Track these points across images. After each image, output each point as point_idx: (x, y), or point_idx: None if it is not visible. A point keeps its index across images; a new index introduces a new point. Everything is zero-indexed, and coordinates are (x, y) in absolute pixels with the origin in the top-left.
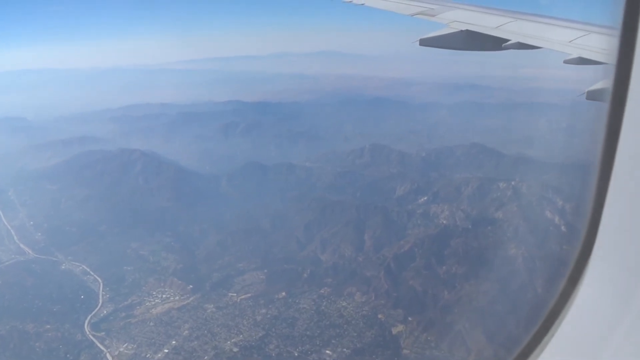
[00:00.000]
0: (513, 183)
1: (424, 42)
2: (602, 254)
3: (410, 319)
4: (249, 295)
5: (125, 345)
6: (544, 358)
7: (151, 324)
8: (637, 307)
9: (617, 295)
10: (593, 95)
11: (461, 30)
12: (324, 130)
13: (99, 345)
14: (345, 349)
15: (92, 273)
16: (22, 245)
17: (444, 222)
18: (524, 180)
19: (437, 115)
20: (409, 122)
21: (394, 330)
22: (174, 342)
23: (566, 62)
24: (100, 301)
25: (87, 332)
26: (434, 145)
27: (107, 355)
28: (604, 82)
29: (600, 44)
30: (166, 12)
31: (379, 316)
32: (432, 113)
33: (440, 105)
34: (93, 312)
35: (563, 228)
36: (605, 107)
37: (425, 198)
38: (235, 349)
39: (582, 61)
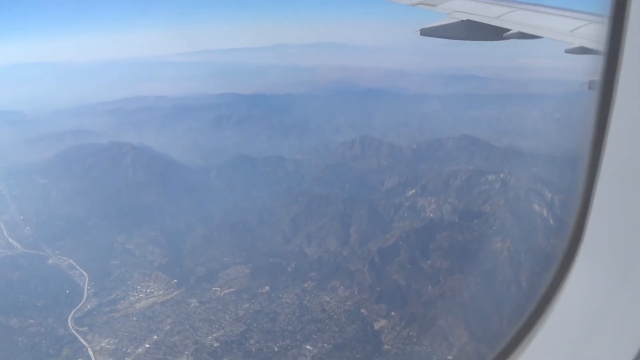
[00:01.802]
0: (502, 175)
1: (425, 32)
2: (591, 247)
3: (393, 313)
4: (233, 289)
5: (107, 340)
6: (530, 352)
7: (134, 318)
8: (624, 300)
9: (605, 288)
10: (595, 85)
11: (462, 20)
12: (316, 122)
13: (81, 340)
14: (325, 344)
15: (78, 267)
16: (10, 240)
17: (431, 215)
18: (513, 172)
19: (430, 106)
20: (402, 114)
21: (376, 326)
22: (155, 336)
23: (567, 51)
24: (85, 296)
25: (70, 327)
26: (425, 137)
27: (89, 350)
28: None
29: (603, 34)
30: (164, 4)
31: (362, 311)
32: (425, 104)
33: (434, 97)
34: (77, 307)
35: (551, 221)
36: (594, 98)
37: (414, 191)
38: (215, 344)
39: (583, 51)
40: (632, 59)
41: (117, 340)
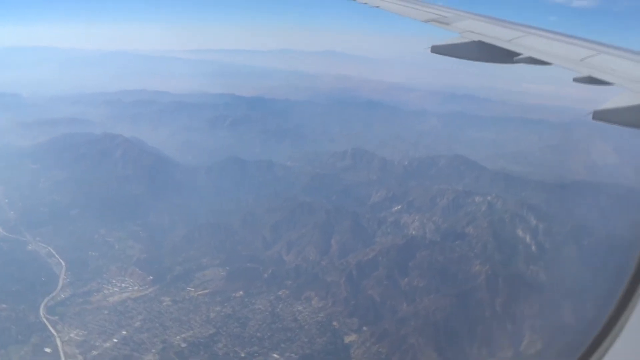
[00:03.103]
0: (489, 198)
1: (436, 50)
2: None
3: (364, 328)
4: (207, 291)
5: (77, 331)
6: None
7: (106, 312)
8: None
9: None
10: (600, 116)
11: (474, 41)
12: (312, 130)
13: (50, 328)
14: (293, 354)
15: (56, 255)
16: None
17: (413, 232)
18: (501, 196)
19: (428, 123)
20: (398, 128)
21: (347, 339)
22: (124, 332)
23: (576, 80)
24: (60, 285)
25: (42, 315)
26: (418, 153)
27: (57, 340)
28: (611, 102)
29: (612, 65)
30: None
31: (334, 323)
32: (423, 121)
33: (433, 114)
34: (51, 295)
35: (533, 248)
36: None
37: (399, 207)
38: (183, 345)
39: (591, 80)
40: None
41: (86, 333)
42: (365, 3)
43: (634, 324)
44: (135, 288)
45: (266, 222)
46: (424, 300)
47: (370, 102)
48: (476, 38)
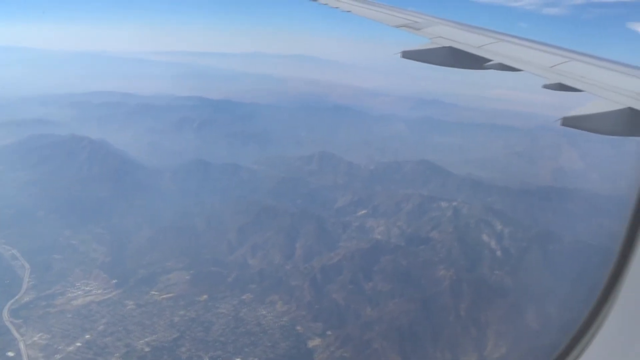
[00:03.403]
0: (455, 203)
1: (406, 55)
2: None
3: (328, 333)
4: (171, 295)
5: (40, 334)
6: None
7: (69, 315)
8: None
9: None
10: (569, 122)
11: (445, 47)
12: (279, 133)
13: (14, 332)
14: (256, 359)
15: (20, 258)
16: None
17: (378, 237)
18: (467, 201)
19: (395, 128)
20: (365, 133)
21: (310, 344)
22: (87, 336)
23: (545, 87)
24: (24, 288)
25: (5, 318)
26: (385, 158)
27: (20, 344)
28: (581, 109)
29: (581, 72)
30: (146, 1)
31: (297, 328)
32: (390, 126)
33: (400, 119)
34: (15, 298)
35: (498, 253)
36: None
37: (365, 211)
38: (146, 349)
39: (561, 87)
40: None
41: (49, 336)
42: (337, 8)
43: (609, 327)
44: (99, 291)
45: (231, 226)
46: (388, 304)
47: (338, 106)
48: (447, 44)
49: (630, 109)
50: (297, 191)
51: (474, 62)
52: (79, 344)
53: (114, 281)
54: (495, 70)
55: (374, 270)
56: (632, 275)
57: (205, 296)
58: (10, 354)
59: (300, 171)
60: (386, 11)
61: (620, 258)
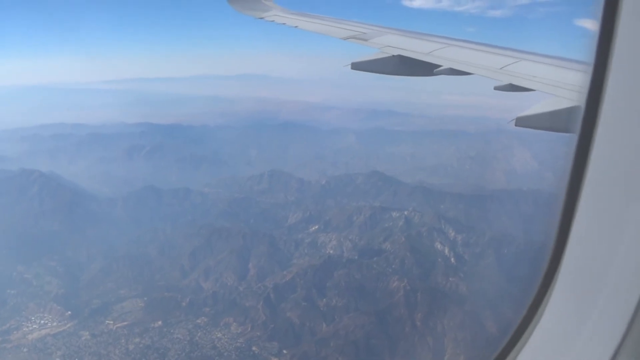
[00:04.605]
0: (406, 213)
1: (356, 66)
2: (569, 269)
3: (285, 351)
4: (126, 323)
5: None
6: None
7: (25, 350)
8: (595, 320)
9: (581, 309)
10: (522, 122)
11: (393, 55)
12: (229, 154)
13: None
14: None
15: None
16: None
17: (331, 252)
18: (419, 209)
19: (346, 141)
20: (316, 148)
21: None
22: None
23: (497, 88)
24: None
25: None
26: (337, 172)
27: None
28: (533, 108)
29: (531, 71)
30: (91, 32)
31: (253, 348)
32: (342, 139)
33: (352, 131)
34: None
35: (452, 260)
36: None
37: (316, 227)
38: None
39: (512, 88)
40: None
41: None
42: (284, 24)
43: (542, 329)
44: (54, 324)
45: (184, 250)
46: (343, 319)
47: (289, 123)
48: (396, 52)
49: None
50: (248, 211)
51: (424, 69)
52: None
53: (69, 313)
54: (446, 76)
55: (327, 286)
56: (564, 271)
57: (159, 322)
58: None
59: (251, 191)
60: (333, 24)
61: (554, 253)
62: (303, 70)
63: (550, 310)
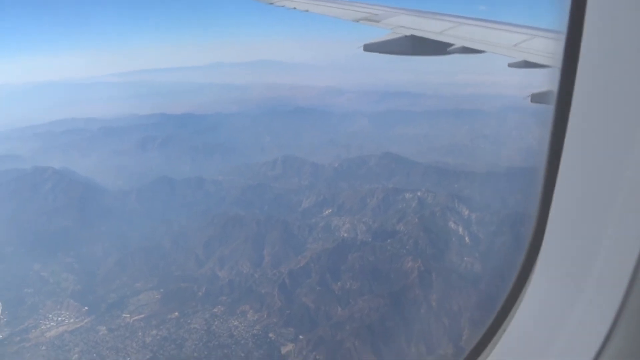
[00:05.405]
0: (419, 193)
1: (368, 48)
2: (548, 255)
3: (301, 337)
4: (142, 315)
5: None
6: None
7: (43, 347)
8: (581, 306)
9: (563, 295)
10: (537, 98)
11: (405, 36)
12: (242, 141)
13: None
14: None
15: None
16: None
17: (345, 235)
18: (432, 189)
19: (359, 124)
20: (330, 132)
21: (283, 350)
22: None
23: (510, 65)
24: None
25: None
26: (350, 155)
27: None
28: (549, 84)
29: (545, 47)
30: (100, 25)
31: (270, 335)
32: (354, 122)
33: (365, 114)
34: None
35: (466, 239)
36: (550, 111)
37: (330, 210)
38: None
39: (526, 64)
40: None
41: None
42: (295, 8)
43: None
44: (72, 320)
45: (198, 240)
46: (358, 302)
47: (302, 108)
48: (408, 33)
49: None
50: (262, 198)
51: (437, 48)
52: None
53: (86, 308)
54: (459, 55)
55: (341, 270)
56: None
57: (176, 313)
58: None
59: (265, 177)
60: (344, 6)
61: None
62: (314, 54)
63: (530, 295)
